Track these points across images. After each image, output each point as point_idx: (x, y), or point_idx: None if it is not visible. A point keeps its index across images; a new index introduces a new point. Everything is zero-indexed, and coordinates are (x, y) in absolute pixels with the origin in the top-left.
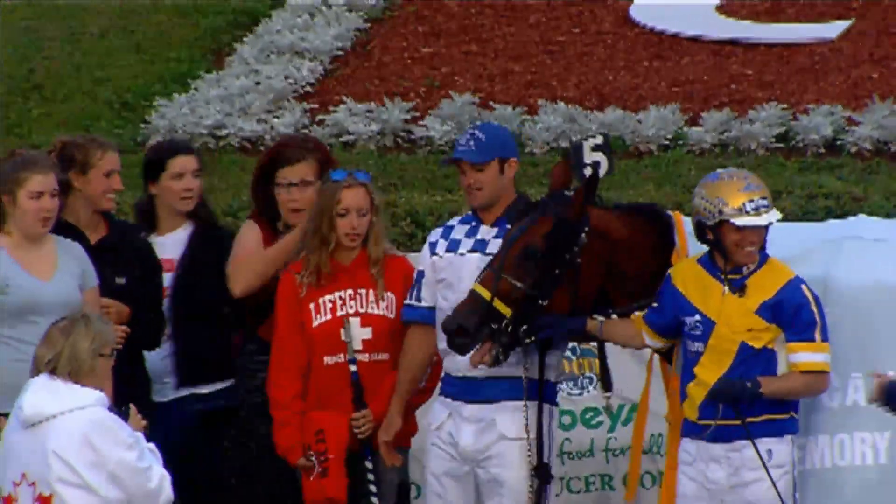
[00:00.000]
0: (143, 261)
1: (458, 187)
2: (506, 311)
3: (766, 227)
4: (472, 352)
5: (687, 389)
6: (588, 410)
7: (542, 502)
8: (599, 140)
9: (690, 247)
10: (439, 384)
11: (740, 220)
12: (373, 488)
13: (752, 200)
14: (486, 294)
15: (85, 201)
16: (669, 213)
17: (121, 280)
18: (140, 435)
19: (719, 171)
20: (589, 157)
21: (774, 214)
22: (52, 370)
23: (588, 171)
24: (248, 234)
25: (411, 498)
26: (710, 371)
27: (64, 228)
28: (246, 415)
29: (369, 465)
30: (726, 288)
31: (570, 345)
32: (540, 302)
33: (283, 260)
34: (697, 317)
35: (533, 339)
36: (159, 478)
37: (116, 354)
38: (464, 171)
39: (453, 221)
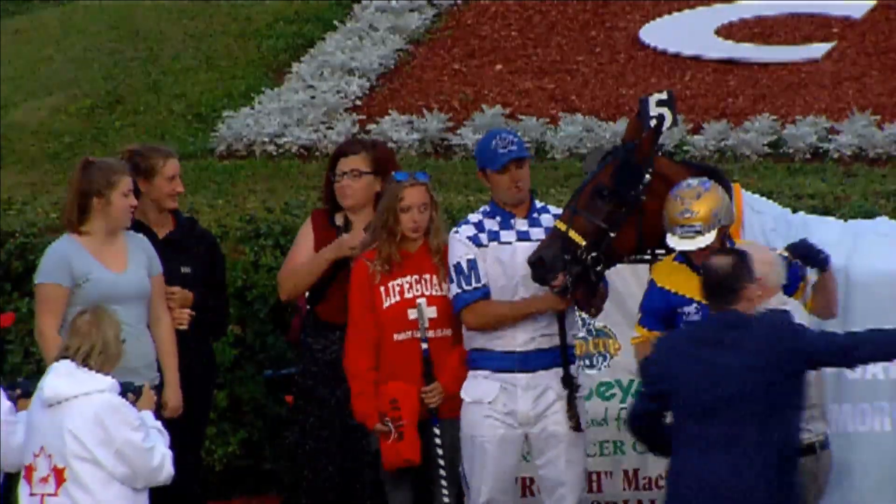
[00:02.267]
0: (208, 253)
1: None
2: (580, 240)
3: (717, 241)
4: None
5: None
6: (602, 384)
7: (574, 408)
8: (664, 95)
9: (746, 217)
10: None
11: (668, 240)
12: (440, 451)
13: (681, 226)
14: (563, 227)
15: (151, 203)
16: (730, 183)
17: (186, 270)
18: (148, 414)
19: (684, 183)
20: (654, 110)
21: (701, 241)
22: (83, 359)
23: (653, 122)
24: (301, 243)
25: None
26: None
27: (135, 226)
28: (311, 382)
29: (437, 431)
30: None
31: (588, 326)
32: (610, 234)
33: (318, 274)
34: (695, 305)
35: (600, 267)
36: (161, 456)
37: (183, 336)
38: (508, 170)
39: (475, 217)
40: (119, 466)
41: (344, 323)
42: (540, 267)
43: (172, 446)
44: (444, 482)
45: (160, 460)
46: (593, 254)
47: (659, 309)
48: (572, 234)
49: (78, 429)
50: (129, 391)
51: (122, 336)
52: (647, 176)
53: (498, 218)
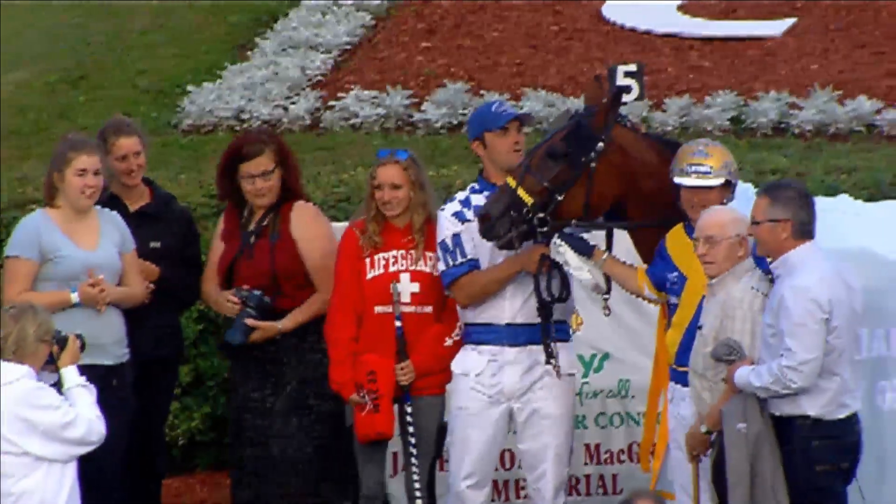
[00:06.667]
0: (181, 230)
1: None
2: (527, 199)
3: (718, 191)
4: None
5: (666, 337)
6: None
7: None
8: (633, 67)
9: None
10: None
11: (676, 178)
12: (411, 429)
13: (692, 164)
14: (513, 183)
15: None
16: None
17: (155, 244)
18: (71, 370)
19: (700, 140)
20: (621, 80)
21: (711, 181)
22: None
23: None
24: (215, 245)
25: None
26: (679, 320)
27: (108, 197)
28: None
29: (409, 409)
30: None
31: None
32: (557, 196)
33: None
34: (675, 273)
35: (546, 229)
36: (87, 423)
37: (150, 312)
38: (509, 131)
39: (462, 194)
40: (47, 447)
41: (283, 311)
42: (486, 221)
43: (136, 421)
44: (414, 460)
45: (86, 427)
46: (539, 215)
47: (659, 267)
48: (521, 191)
49: None
50: (56, 341)
51: (46, 338)
52: (601, 143)
53: (486, 193)
